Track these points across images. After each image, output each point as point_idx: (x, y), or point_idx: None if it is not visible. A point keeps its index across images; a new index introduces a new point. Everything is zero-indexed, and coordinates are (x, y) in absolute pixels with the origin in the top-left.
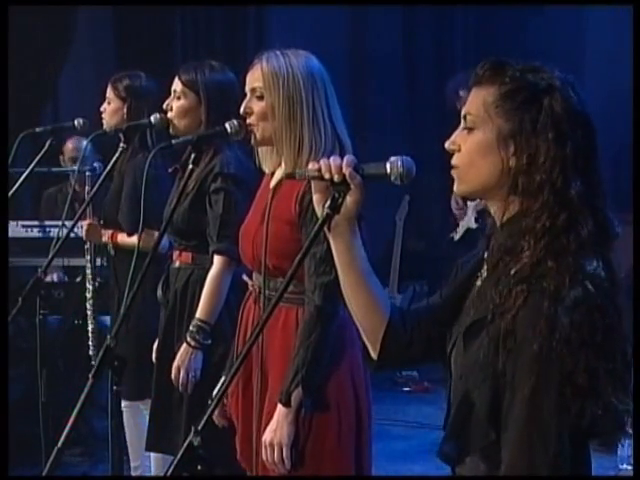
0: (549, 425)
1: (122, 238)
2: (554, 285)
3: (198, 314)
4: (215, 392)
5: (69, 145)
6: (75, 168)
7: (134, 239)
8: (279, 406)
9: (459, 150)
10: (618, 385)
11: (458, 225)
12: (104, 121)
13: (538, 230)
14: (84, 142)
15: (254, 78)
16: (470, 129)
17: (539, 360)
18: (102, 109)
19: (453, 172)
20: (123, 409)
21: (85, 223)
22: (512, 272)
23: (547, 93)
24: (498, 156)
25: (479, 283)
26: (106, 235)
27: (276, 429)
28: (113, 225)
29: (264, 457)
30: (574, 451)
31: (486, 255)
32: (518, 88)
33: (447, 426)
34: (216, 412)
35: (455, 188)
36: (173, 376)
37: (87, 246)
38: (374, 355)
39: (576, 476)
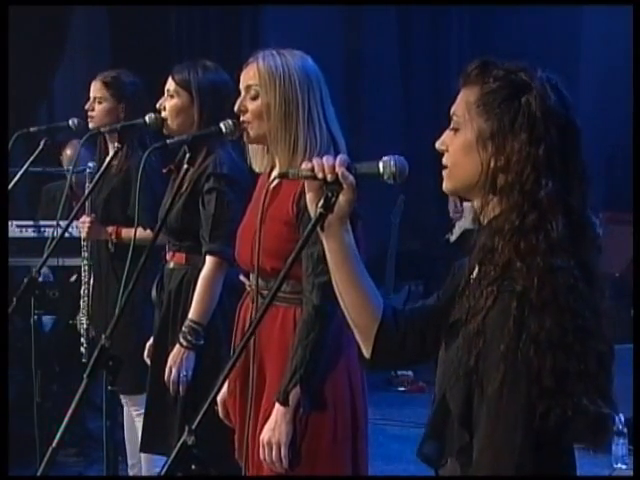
0: (515, 425)
1: (127, 233)
2: (522, 286)
3: (190, 315)
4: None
5: (67, 152)
6: (70, 168)
7: (147, 233)
8: (277, 405)
9: (447, 150)
10: (590, 386)
11: (454, 226)
12: (93, 120)
13: (507, 230)
14: (83, 149)
15: (249, 76)
16: (456, 129)
17: (506, 360)
18: (89, 107)
19: (443, 172)
20: (123, 404)
21: (87, 220)
22: (491, 274)
23: (525, 93)
24: (478, 156)
25: (469, 284)
26: (109, 231)
27: (274, 428)
28: (112, 223)
29: (262, 456)
30: (549, 453)
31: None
32: (499, 88)
33: (426, 427)
34: (222, 414)
35: (443, 187)
36: (165, 376)
37: (85, 244)
38: (367, 354)
39: (574, 476)
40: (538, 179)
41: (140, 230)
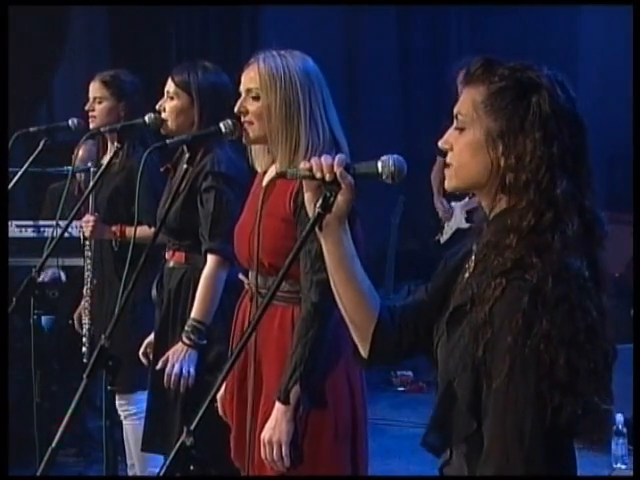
0: (524, 418)
1: (132, 232)
2: (536, 279)
3: (193, 314)
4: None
5: (80, 152)
6: (69, 168)
7: (151, 231)
8: (277, 404)
9: (451, 149)
10: (600, 385)
11: (443, 227)
12: (95, 120)
13: (523, 228)
14: (95, 149)
15: (250, 78)
16: (461, 129)
17: (513, 352)
18: (89, 108)
19: (446, 170)
20: (118, 407)
21: (91, 219)
22: (495, 264)
23: (535, 92)
24: (487, 156)
25: (467, 276)
26: (114, 230)
27: (275, 427)
28: (115, 221)
29: (262, 455)
30: (557, 449)
31: (474, 248)
32: (506, 87)
33: (431, 416)
34: (221, 411)
35: (446, 184)
36: (167, 369)
37: (87, 243)
38: (364, 353)
39: (572, 476)
40: (553, 178)
41: (145, 228)
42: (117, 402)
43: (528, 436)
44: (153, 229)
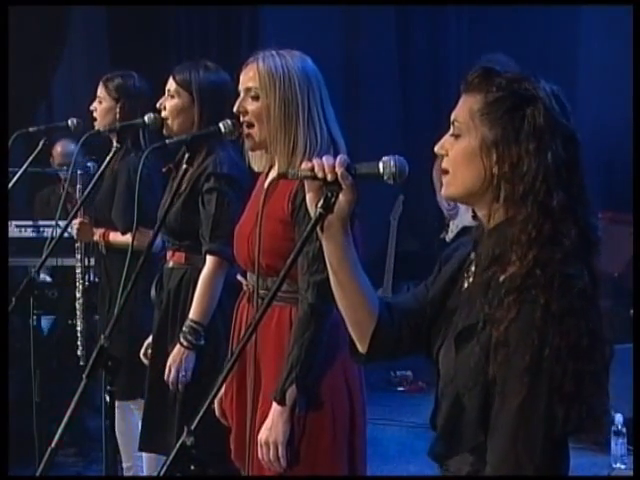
0: (536, 434)
1: (114, 237)
2: (544, 297)
3: (191, 315)
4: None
5: (58, 149)
6: (69, 168)
7: (127, 238)
8: (274, 404)
9: (447, 155)
10: (599, 387)
11: (448, 225)
12: (96, 120)
13: (524, 241)
14: (73, 146)
15: (249, 78)
16: (457, 136)
17: (530, 371)
18: (92, 108)
19: (443, 176)
20: (123, 411)
21: (76, 222)
22: (501, 280)
23: (530, 104)
24: (481, 164)
25: (466, 285)
26: (98, 234)
27: (271, 427)
28: (105, 224)
29: (259, 456)
30: (561, 454)
31: (472, 256)
32: (503, 97)
33: (439, 427)
34: (219, 413)
35: (443, 191)
36: (165, 375)
37: (77, 245)
38: (363, 350)
39: (573, 477)
40: (549, 189)
41: (117, 234)
42: (131, 406)
43: (539, 452)
44: (128, 236)
